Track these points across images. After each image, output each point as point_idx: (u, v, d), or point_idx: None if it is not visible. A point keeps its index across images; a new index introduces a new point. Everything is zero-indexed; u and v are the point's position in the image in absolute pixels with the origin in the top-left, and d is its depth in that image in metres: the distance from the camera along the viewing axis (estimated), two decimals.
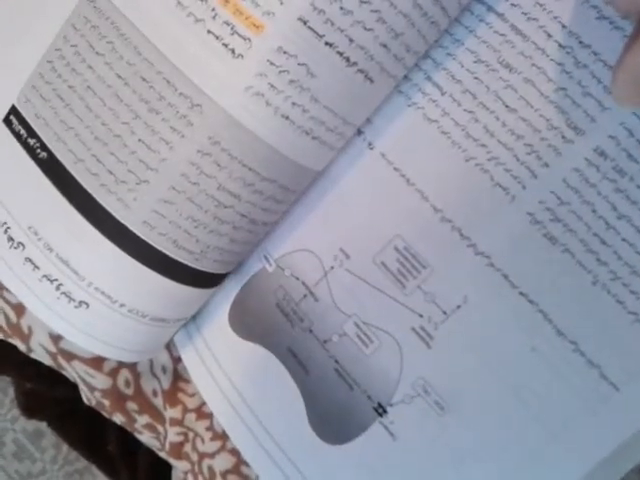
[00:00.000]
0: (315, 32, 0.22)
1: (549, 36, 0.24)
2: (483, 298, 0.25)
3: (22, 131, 0.28)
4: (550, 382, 0.25)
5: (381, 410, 0.27)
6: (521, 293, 0.25)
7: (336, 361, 0.28)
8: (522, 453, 0.25)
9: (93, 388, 0.39)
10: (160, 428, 0.39)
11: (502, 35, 0.25)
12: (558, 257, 0.24)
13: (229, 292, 0.31)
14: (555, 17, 0.24)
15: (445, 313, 0.26)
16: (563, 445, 0.25)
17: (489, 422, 0.25)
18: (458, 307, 0.26)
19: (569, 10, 0.24)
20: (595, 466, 0.24)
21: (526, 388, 0.25)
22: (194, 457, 0.37)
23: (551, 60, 0.24)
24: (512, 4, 0.25)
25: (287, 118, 0.24)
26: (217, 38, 0.23)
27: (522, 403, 0.25)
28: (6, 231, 0.28)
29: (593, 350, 0.24)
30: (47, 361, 0.40)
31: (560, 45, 0.24)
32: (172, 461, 0.39)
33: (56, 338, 0.38)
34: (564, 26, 0.24)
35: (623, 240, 0.24)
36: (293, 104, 0.24)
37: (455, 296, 0.26)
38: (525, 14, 0.25)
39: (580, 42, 0.24)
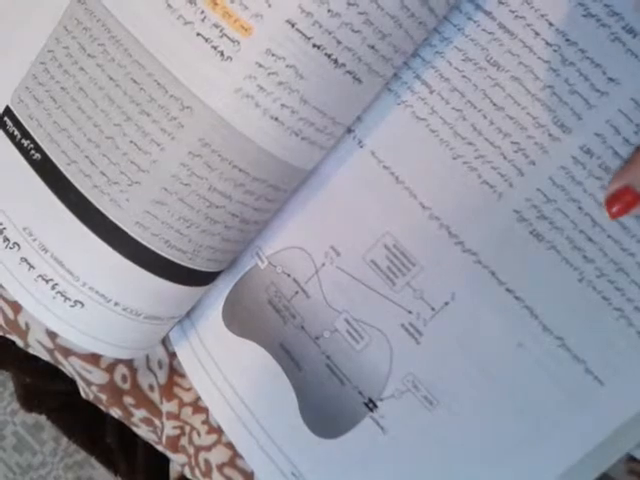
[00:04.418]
0: (303, 34, 0.23)
1: (536, 34, 0.24)
2: (470, 295, 0.26)
3: (16, 132, 0.28)
4: (536, 377, 0.25)
5: (372, 405, 0.28)
6: (508, 289, 0.25)
7: (327, 357, 0.28)
8: (509, 446, 0.26)
9: (90, 383, 0.39)
10: (157, 422, 0.39)
11: (490, 33, 0.25)
12: (544, 254, 0.25)
13: (222, 289, 0.32)
14: (542, 15, 0.24)
15: (433, 309, 0.26)
16: (550, 438, 0.25)
17: (477, 416, 0.26)
18: (446, 304, 0.26)
19: (556, 8, 0.24)
20: (580, 458, 0.25)
21: (513, 383, 0.25)
22: (191, 450, 0.37)
23: (538, 58, 0.24)
24: (500, 2, 0.25)
25: (276, 119, 0.24)
26: (206, 40, 0.23)
27: (509, 397, 0.25)
28: (2, 231, 0.29)
29: (578, 346, 0.25)
30: (45, 356, 0.40)
31: (547, 43, 0.24)
32: (169, 454, 0.40)
33: (53, 334, 0.38)
34: (551, 24, 0.24)
35: (609, 237, 0.24)
36: (282, 105, 0.24)
37: (443, 293, 0.26)
38: (513, 12, 0.25)
39: (567, 40, 0.24)
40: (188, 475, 0.39)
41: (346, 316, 0.28)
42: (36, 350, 0.40)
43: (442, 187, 0.26)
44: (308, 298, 0.29)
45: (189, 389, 0.38)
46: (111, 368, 0.38)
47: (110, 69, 0.25)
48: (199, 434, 0.37)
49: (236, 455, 0.36)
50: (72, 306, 0.28)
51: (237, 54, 0.23)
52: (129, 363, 0.38)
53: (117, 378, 0.38)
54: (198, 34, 0.23)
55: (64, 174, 0.27)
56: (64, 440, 1.01)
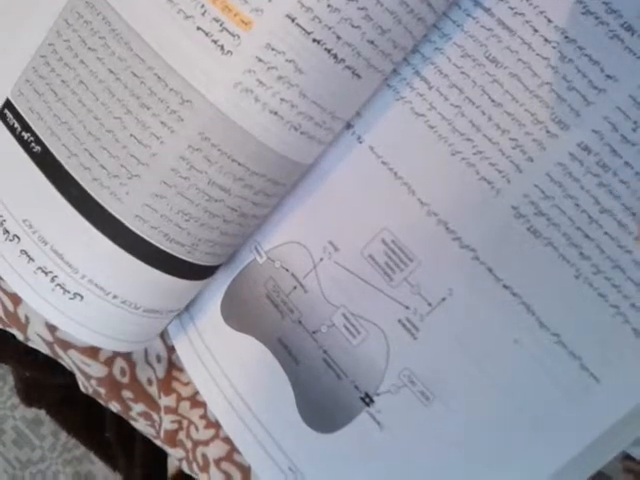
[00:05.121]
0: (303, 29, 0.23)
1: (535, 31, 0.24)
2: (467, 290, 0.26)
3: (16, 125, 0.28)
4: (532, 373, 0.25)
5: (368, 400, 0.28)
6: (505, 286, 0.25)
7: (325, 351, 0.28)
8: (506, 442, 0.26)
9: (89, 376, 0.39)
10: (155, 416, 0.39)
11: (489, 30, 0.25)
12: (541, 250, 0.25)
13: (221, 283, 0.32)
14: (541, 12, 0.24)
15: (430, 305, 0.26)
16: (545, 435, 0.25)
17: (473, 412, 0.26)
18: (443, 299, 0.26)
19: (555, 5, 0.24)
20: (576, 455, 0.25)
21: (509, 379, 0.25)
22: (188, 445, 0.38)
23: (537, 55, 0.25)
24: None
25: (276, 114, 0.24)
26: (206, 34, 0.23)
27: (505, 393, 0.25)
28: (1, 224, 0.29)
29: (575, 342, 0.25)
30: (44, 350, 0.40)
31: (546, 40, 0.24)
32: (167, 448, 0.40)
33: (52, 327, 0.38)
34: (550, 21, 0.24)
35: (606, 234, 0.24)
36: (282, 100, 0.24)
37: (440, 288, 0.26)
38: (512, 9, 0.25)
39: (566, 37, 0.24)
40: (186, 470, 0.39)
41: (343, 311, 0.28)
42: (36, 343, 0.40)
43: (440, 183, 0.26)
44: (306, 293, 0.29)
45: (187, 383, 0.38)
46: (110, 361, 0.39)
47: (110, 62, 0.25)
48: (197, 428, 0.37)
49: (234, 450, 0.36)
50: (71, 298, 0.28)
51: (237, 48, 0.23)
52: (128, 357, 0.39)
53: (116, 372, 0.39)
54: (198, 28, 0.24)
55: (64, 167, 0.27)
56: (63, 435, 1.02)
